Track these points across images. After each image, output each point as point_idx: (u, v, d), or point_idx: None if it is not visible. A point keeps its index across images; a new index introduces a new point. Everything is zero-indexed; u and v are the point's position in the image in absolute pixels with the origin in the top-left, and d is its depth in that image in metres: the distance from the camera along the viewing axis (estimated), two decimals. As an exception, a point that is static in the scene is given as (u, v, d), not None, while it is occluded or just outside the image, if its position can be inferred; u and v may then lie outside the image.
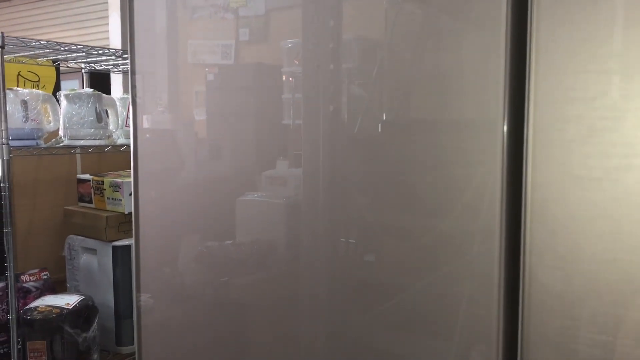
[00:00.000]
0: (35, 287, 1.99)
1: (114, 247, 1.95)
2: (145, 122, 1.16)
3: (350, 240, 0.83)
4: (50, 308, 1.78)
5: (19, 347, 1.77)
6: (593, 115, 0.65)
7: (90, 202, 2.04)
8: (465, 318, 0.75)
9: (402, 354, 0.79)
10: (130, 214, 1.94)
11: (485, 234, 0.73)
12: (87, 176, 2.05)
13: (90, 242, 2.00)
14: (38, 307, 1.79)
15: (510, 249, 0.72)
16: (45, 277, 2.02)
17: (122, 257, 1.97)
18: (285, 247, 0.90)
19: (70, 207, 2.07)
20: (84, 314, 1.81)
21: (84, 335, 1.80)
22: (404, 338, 0.79)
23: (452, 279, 0.75)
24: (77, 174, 2.15)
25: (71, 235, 2.05)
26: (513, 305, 0.72)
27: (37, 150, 1.69)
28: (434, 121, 0.77)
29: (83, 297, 1.86)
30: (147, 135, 1.22)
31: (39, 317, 1.74)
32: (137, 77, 1.13)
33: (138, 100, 1.14)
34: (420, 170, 0.78)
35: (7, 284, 1.73)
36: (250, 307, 0.94)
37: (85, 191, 2.06)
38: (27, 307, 1.80)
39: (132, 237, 2.03)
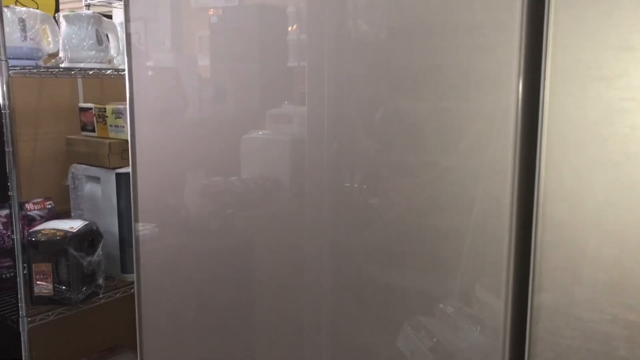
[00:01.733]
0: (39, 216, 1.99)
1: (117, 175, 1.94)
2: (146, 62, 1.14)
3: (354, 175, 0.80)
4: (54, 231, 1.78)
5: (25, 272, 1.78)
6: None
7: (92, 130, 2.02)
8: (472, 252, 0.72)
9: (407, 288, 0.77)
10: (133, 141, 1.93)
11: (497, 168, 0.69)
12: (89, 104, 2.02)
13: (94, 170, 1.98)
14: (42, 229, 1.79)
15: (522, 182, 0.69)
16: (50, 206, 2.02)
17: (125, 184, 1.96)
18: (291, 183, 0.88)
19: (72, 136, 2.05)
20: (88, 237, 1.81)
21: (89, 259, 1.80)
22: (409, 273, 0.76)
23: (460, 212, 0.72)
24: (79, 103, 2.12)
25: (74, 164, 2.04)
26: (525, 241, 0.69)
27: (37, 70, 1.67)
28: (442, 46, 0.73)
29: (87, 223, 1.85)
30: (150, 72, 1.20)
31: (43, 239, 1.75)
32: (138, 22, 1.10)
33: (140, 46, 1.11)
34: (426, 103, 0.74)
35: (11, 211, 1.73)
36: (253, 240, 0.92)
37: (87, 120, 2.04)
38: (31, 230, 1.80)
39: (135, 165, 2.01)
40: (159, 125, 1.15)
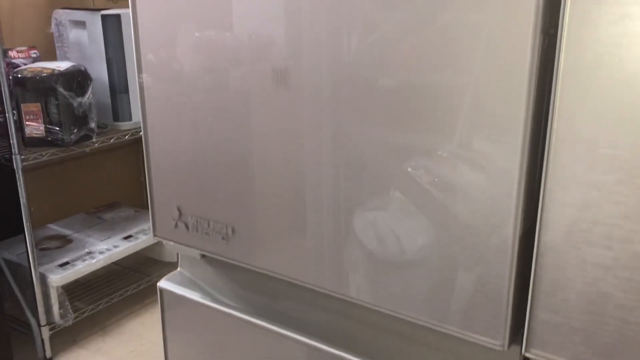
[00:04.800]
0: (24, 64, 1.92)
1: (103, 17, 1.85)
2: None
3: (352, 31, 0.70)
4: (41, 69, 1.72)
5: (15, 119, 1.73)
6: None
7: (74, -28, 1.91)
8: (475, 105, 0.64)
9: (410, 141, 0.70)
10: (117, -21, 1.83)
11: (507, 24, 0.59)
12: (68, -57, 1.90)
13: (78, 14, 1.89)
14: (28, 68, 1.73)
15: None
16: (35, 55, 1.94)
17: (112, 28, 1.88)
18: (286, 39, 0.79)
19: (53, -20, 1.95)
20: (77, 77, 1.75)
21: (79, 100, 1.75)
22: (412, 128, 0.69)
23: (463, 68, 0.64)
24: (57, -55, 2.00)
25: (57, 10, 1.94)
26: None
27: None
28: None
29: (74, 64, 1.79)
30: None
31: (30, 75, 1.69)
32: None
33: None
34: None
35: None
36: (249, 95, 0.84)
37: (67, -39, 1.92)
38: (17, 69, 1.74)
39: (121, 6, 1.93)
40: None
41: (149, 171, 0.85)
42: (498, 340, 0.66)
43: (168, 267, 2.09)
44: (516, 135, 0.59)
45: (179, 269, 0.95)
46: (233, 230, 0.79)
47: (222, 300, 0.88)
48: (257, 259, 0.77)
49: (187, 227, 0.82)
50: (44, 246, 1.92)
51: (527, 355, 0.65)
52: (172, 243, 0.85)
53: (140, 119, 0.82)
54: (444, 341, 0.75)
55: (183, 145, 0.80)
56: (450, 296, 0.67)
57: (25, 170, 1.71)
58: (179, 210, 0.83)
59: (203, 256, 0.86)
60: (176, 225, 0.84)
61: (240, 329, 0.85)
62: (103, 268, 1.99)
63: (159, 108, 0.83)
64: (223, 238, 0.80)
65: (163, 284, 0.91)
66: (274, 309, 0.86)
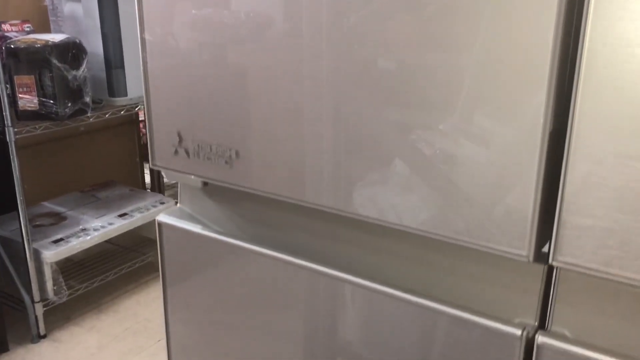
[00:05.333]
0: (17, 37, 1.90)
1: (98, -10, 1.83)
2: None
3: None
4: (34, 40, 1.70)
5: (8, 92, 1.70)
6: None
7: (68, -55, 1.89)
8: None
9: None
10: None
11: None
12: None
13: (73, -13, 1.87)
14: (22, 39, 1.71)
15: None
16: (28, 28, 1.92)
17: (108, 1, 1.86)
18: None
19: (47, -47, 1.92)
20: (71, 49, 1.72)
21: (74, 73, 1.73)
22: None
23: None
24: None
25: (51, -17, 1.92)
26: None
27: None
28: None
29: (69, 36, 1.77)
30: None
31: (23, 46, 1.66)
32: None
33: None
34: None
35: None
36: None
37: None
38: (10, 40, 1.71)
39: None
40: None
41: (147, 95, 0.82)
42: (523, 250, 0.59)
43: (164, 246, 2.06)
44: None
45: (178, 205, 0.92)
46: (237, 154, 0.76)
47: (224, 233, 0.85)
48: (263, 182, 0.74)
49: (187, 153, 0.79)
50: (37, 223, 1.89)
51: (555, 264, 0.58)
52: (171, 172, 0.82)
53: (138, 33, 0.79)
54: (459, 259, 0.69)
55: (183, 66, 0.78)
56: (469, 203, 0.61)
57: (19, 147, 1.68)
58: (179, 135, 0.80)
59: (205, 184, 0.83)
60: (176, 152, 0.80)
61: (243, 259, 0.82)
62: (98, 246, 1.96)
63: (158, 22, 0.79)
64: (226, 162, 0.77)
65: (162, 217, 0.88)
66: (277, 240, 0.83)
